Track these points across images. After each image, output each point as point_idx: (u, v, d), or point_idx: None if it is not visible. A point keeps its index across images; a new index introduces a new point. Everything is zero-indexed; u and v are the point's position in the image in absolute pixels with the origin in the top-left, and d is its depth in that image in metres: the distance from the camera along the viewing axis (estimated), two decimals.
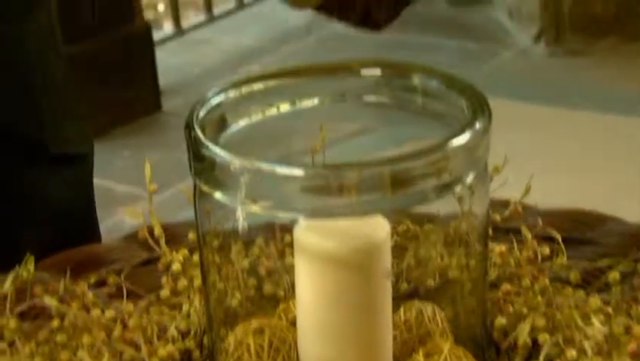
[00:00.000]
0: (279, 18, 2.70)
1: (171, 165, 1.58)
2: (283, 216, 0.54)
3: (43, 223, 0.99)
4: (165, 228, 0.74)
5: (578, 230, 0.80)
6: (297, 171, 0.52)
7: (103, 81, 2.13)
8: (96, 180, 1.08)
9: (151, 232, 0.73)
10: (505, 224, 0.76)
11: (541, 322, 0.60)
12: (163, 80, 2.32)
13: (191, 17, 2.77)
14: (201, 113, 0.58)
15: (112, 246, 0.83)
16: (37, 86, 0.97)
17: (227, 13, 2.77)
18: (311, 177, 0.52)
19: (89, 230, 1.03)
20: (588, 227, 0.80)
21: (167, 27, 2.68)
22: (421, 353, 0.58)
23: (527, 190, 0.72)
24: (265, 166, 0.52)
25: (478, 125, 0.55)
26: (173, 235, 0.77)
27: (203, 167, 0.55)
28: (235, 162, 0.53)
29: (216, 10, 2.75)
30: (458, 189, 0.55)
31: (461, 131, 0.54)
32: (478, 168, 0.56)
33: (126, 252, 0.81)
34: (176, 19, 2.62)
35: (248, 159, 0.53)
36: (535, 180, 0.74)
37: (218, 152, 0.54)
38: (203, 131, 0.56)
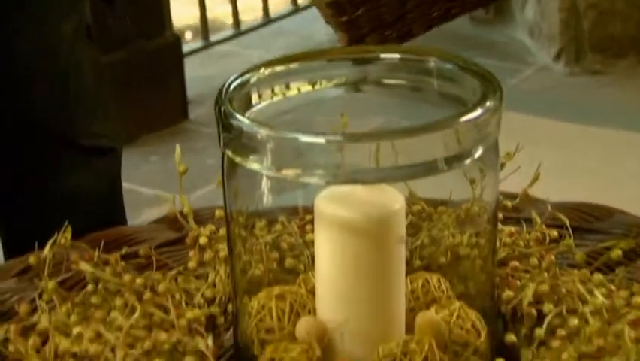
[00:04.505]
0: (303, 33, 2.77)
1: (197, 170, 1.62)
2: (306, 181, 0.57)
3: (71, 212, 1.04)
4: (192, 210, 0.78)
5: (586, 220, 0.83)
6: (319, 139, 0.56)
7: (133, 91, 2.18)
8: (124, 184, 1.13)
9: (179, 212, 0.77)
10: (517, 214, 0.80)
11: (544, 287, 0.64)
12: (190, 90, 2.37)
13: (219, 32, 2.83)
14: (228, 92, 0.62)
15: (141, 228, 0.88)
16: (71, 83, 1.03)
17: (254, 28, 2.83)
18: (331, 145, 0.56)
19: (117, 218, 1.07)
20: (596, 218, 0.84)
21: (196, 40, 2.74)
22: (432, 309, 0.62)
23: (537, 177, 0.76)
24: (289, 135, 0.56)
25: (489, 103, 0.59)
26: (200, 216, 0.81)
27: (231, 137, 0.59)
28: (261, 131, 0.57)
29: (243, 25, 2.80)
30: (468, 162, 0.58)
31: (473, 108, 0.58)
32: (488, 143, 0.59)
33: (155, 232, 0.85)
34: (205, 33, 2.68)
35: (273, 128, 0.57)
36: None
37: (245, 121, 0.58)
38: (231, 104, 0.60)
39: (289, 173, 0.57)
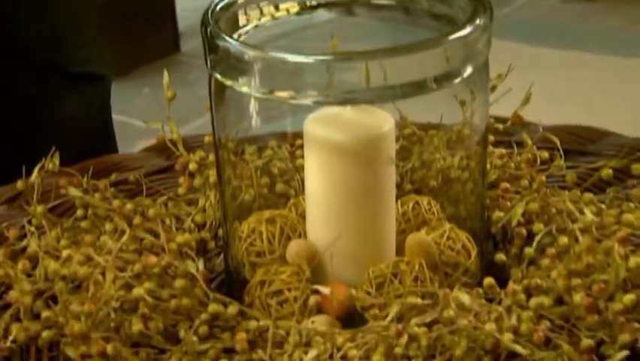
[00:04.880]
0: None
1: (189, 102, 1.62)
2: (296, 102, 0.56)
3: (62, 139, 1.03)
4: (182, 138, 0.78)
5: (578, 143, 0.83)
6: (308, 59, 0.55)
7: (123, 22, 2.17)
8: (116, 116, 1.12)
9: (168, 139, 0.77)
10: (508, 137, 0.79)
11: (534, 206, 0.64)
12: (181, 22, 2.35)
13: None
14: (215, 13, 0.61)
15: (131, 155, 0.87)
16: (57, 6, 1.02)
17: None
18: (321, 64, 0.55)
19: (107, 146, 1.07)
20: (588, 140, 0.83)
21: None
22: (423, 230, 0.62)
23: (528, 98, 0.75)
24: (278, 55, 0.55)
25: (478, 21, 0.58)
26: (190, 144, 0.81)
27: (218, 59, 0.58)
28: (249, 52, 0.56)
29: None
30: (457, 81, 0.58)
31: (462, 27, 0.57)
32: (477, 62, 0.59)
33: (145, 160, 0.85)
34: None
35: (261, 48, 0.56)
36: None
37: (233, 42, 0.57)
38: (217, 25, 0.59)
39: (279, 95, 0.56)
